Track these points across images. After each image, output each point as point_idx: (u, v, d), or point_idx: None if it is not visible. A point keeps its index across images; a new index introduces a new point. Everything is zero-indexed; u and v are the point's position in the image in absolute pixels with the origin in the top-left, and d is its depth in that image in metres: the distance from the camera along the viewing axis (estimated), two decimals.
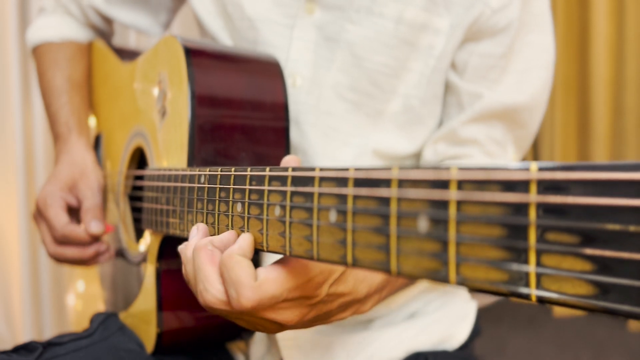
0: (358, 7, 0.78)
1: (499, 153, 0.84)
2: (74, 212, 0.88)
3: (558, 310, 2.67)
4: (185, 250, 0.55)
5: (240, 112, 0.72)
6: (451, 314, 0.90)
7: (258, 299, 0.47)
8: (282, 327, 0.53)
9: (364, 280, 0.57)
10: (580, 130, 2.72)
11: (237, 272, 0.47)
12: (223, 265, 0.48)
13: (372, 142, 0.82)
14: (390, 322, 0.87)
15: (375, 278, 0.59)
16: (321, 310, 0.54)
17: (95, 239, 0.85)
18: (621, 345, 2.31)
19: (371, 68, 0.80)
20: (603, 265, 0.23)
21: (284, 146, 0.75)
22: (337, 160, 0.81)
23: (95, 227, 0.83)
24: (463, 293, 0.94)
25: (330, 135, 0.81)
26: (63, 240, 0.84)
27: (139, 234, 0.87)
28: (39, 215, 0.87)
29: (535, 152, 2.91)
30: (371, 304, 0.61)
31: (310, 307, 0.52)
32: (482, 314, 0.98)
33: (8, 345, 1.07)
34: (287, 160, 0.55)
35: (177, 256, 0.74)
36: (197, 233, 0.56)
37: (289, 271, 0.48)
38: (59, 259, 0.87)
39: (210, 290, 0.49)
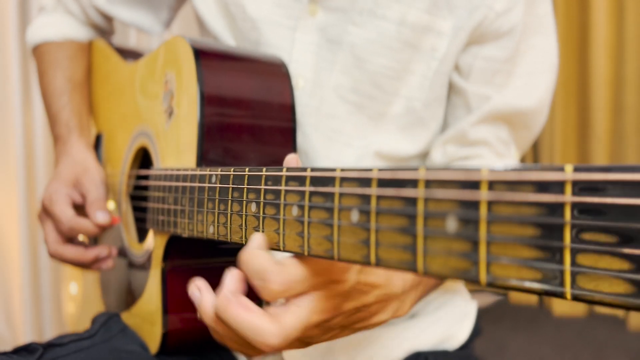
0: (361, 9, 0.78)
1: (506, 153, 0.84)
2: (79, 209, 0.87)
3: (558, 310, 2.67)
4: (202, 305, 0.51)
5: (248, 113, 0.72)
6: (451, 314, 0.90)
7: (285, 280, 0.45)
8: (322, 332, 0.50)
9: (395, 273, 0.53)
10: (580, 130, 2.72)
11: (259, 262, 0.46)
12: (242, 263, 0.47)
13: (374, 144, 0.82)
14: (390, 322, 0.86)
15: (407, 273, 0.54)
16: (359, 301, 0.50)
17: (102, 230, 0.85)
18: (621, 345, 2.32)
19: (373, 70, 0.79)
20: None
21: (291, 146, 0.75)
22: (340, 162, 0.81)
23: (101, 217, 0.83)
24: (463, 293, 0.94)
25: (333, 137, 0.81)
26: (70, 234, 0.84)
27: (140, 234, 0.87)
28: (45, 213, 0.87)
29: (535, 151, 2.90)
30: (410, 303, 0.58)
31: (343, 296, 0.49)
32: (482, 314, 0.98)
33: (8, 346, 1.06)
34: (288, 160, 0.53)
35: (183, 256, 0.74)
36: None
37: (307, 258, 0.46)
38: (59, 260, 0.87)
39: (269, 340, 0.45)
